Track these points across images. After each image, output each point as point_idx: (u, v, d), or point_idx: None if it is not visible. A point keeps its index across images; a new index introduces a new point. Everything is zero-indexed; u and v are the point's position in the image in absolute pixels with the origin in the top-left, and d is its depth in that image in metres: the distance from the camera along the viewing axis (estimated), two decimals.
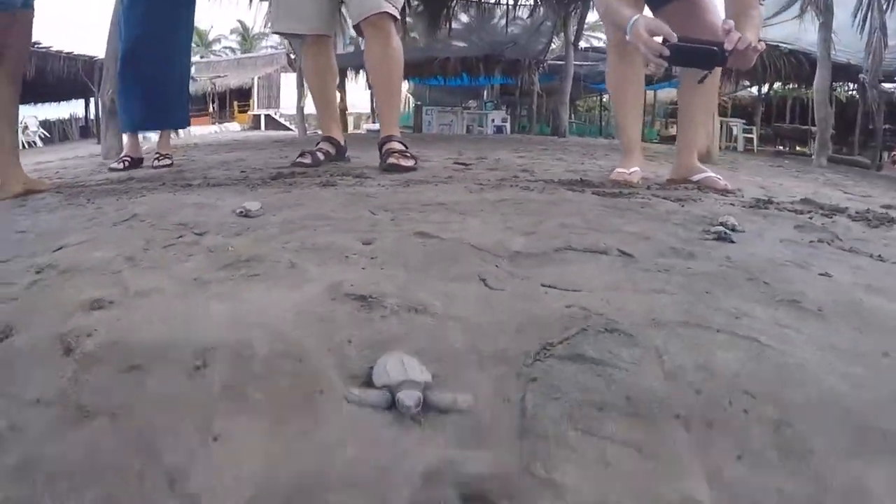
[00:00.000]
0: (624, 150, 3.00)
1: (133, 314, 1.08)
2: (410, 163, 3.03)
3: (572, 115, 19.27)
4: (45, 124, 17.09)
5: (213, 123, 21.82)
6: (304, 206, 2.00)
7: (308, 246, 1.48)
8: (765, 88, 17.64)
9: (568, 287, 1.20)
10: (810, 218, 2.06)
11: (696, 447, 0.74)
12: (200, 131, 18.68)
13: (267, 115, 23.51)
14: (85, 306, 1.12)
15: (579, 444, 0.72)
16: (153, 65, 3.70)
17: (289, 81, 22.10)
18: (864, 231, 1.92)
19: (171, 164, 3.70)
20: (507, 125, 15.75)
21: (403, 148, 3.15)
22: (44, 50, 14.96)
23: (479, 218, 1.81)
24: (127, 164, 3.68)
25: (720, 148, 12.22)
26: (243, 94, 24.99)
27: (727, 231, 1.67)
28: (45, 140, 16.35)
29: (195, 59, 25.21)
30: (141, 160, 3.78)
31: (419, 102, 19.25)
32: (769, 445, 0.76)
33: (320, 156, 3.32)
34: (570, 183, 2.63)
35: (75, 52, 15.92)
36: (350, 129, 19.43)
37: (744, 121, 15.60)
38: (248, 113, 24.19)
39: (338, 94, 3.81)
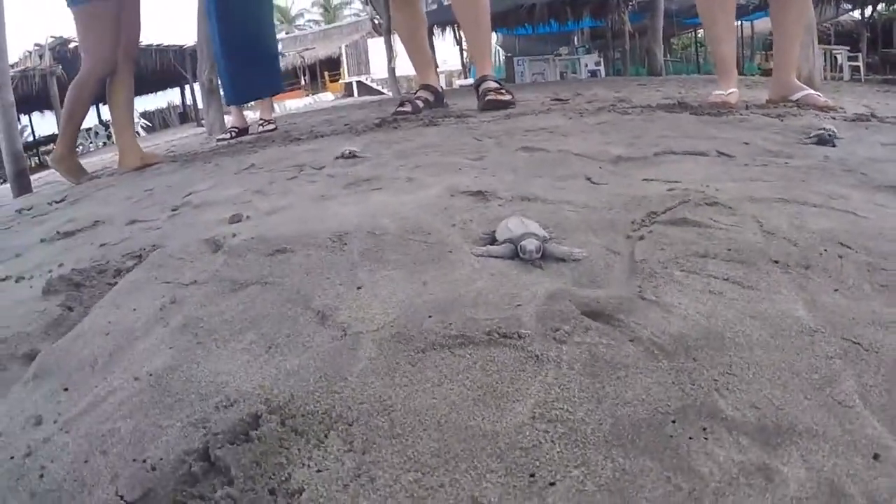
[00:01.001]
0: (720, 73, 2.95)
1: (270, 221, 1.23)
2: (508, 97, 3.09)
3: (668, 54, 18.51)
4: (144, 115, 18.04)
5: (307, 95, 22.37)
6: (411, 141, 2.12)
7: (421, 165, 1.62)
8: (868, 11, 16.22)
9: (669, 178, 1.28)
10: None
11: (794, 283, 0.82)
12: (295, 104, 19.20)
13: (359, 82, 23.87)
14: (224, 222, 1.29)
15: (685, 279, 0.82)
16: (246, 41, 3.95)
17: (376, 46, 22.26)
18: None
19: (276, 128, 3.92)
20: (602, 69, 15.30)
21: (498, 85, 3.19)
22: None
23: (580, 136, 1.88)
24: (234, 133, 3.96)
25: (824, 77, 11.49)
26: (333, 64, 25.47)
27: (829, 135, 1.67)
28: (147, 129, 17.29)
29: (281, 35, 25.80)
30: (247, 129, 4.05)
31: (509, 54, 18.95)
32: (863, 281, 0.83)
33: (419, 103, 3.37)
34: (667, 106, 2.64)
35: (164, 44, 16.63)
36: (442, 85, 19.41)
37: (848, 48, 14.44)
38: (340, 82, 24.65)
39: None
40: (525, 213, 1.08)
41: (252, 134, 3.95)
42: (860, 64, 14.18)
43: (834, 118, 2.22)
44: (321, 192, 1.45)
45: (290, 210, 1.33)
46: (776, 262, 0.88)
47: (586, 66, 14.92)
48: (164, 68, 16.82)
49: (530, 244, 0.85)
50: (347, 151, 1.96)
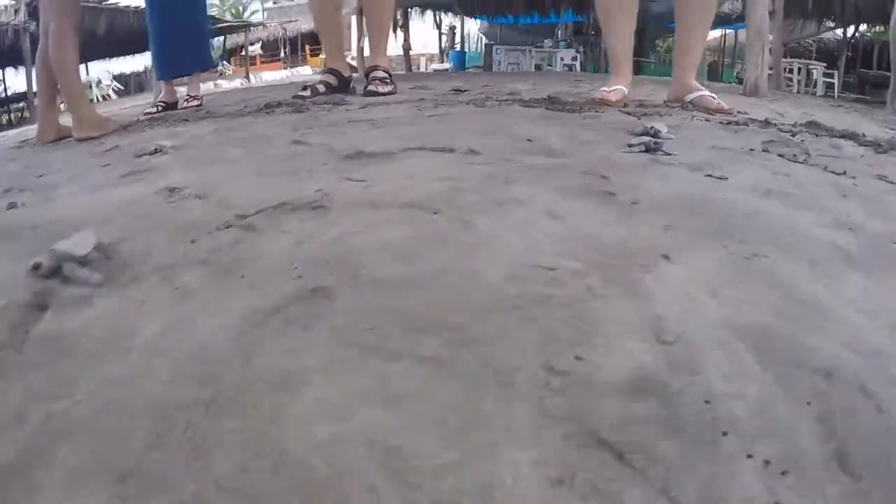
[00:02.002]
0: (611, 69, 2.84)
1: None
2: (388, 88, 3.14)
3: (650, 55, 18.36)
4: (119, 78, 17.76)
5: (285, 68, 22.10)
6: (240, 131, 2.08)
7: (181, 160, 1.62)
8: (850, 30, 16.19)
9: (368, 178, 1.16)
10: (793, 135, 1.93)
11: None
12: (272, 76, 18.96)
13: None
14: None
15: None
16: (174, 16, 3.92)
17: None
18: (860, 154, 1.79)
19: (200, 104, 3.93)
20: (577, 63, 15.16)
21: (385, 75, 3.23)
22: (113, 6, 15.41)
23: (385, 130, 1.79)
24: (161, 108, 3.91)
25: (797, 91, 11.43)
26: (316, 38, 25.01)
27: (654, 143, 1.51)
28: (119, 92, 16.98)
29: (268, 5, 25.47)
30: (175, 104, 4.00)
31: (491, 42, 18.78)
32: None
33: (320, 88, 3.34)
34: (536, 101, 2.52)
35: (143, 6, 16.22)
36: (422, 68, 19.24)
37: (825, 64, 14.36)
38: (320, 56, 24.34)
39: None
40: None
41: (179, 109, 3.87)
42: (835, 81, 14.11)
43: (707, 120, 2.12)
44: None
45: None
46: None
47: (562, 59, 14.79)
48: (141, 31, 16.48)
49: None
50: (156, 147, 1.89)
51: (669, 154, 1.42)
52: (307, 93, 3.25)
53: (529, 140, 1.51)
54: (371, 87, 3.06)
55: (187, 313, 0.73)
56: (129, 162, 1.80)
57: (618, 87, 2.63)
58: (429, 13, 16.00)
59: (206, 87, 13.28)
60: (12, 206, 1.46)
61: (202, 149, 1.85)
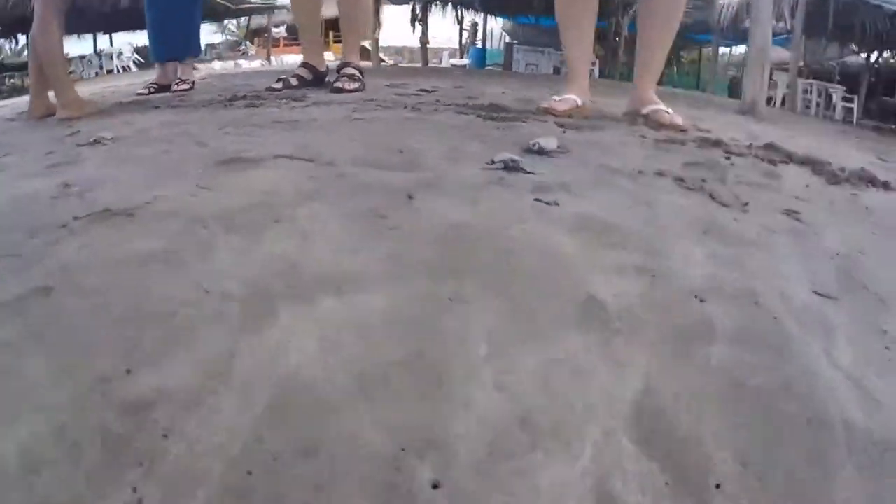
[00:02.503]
0: (567, 77, 2.83)
1: None
2: (355, 85, 3.14)
3: (675, 67, 18.23)
4: (140, 51, 17.89)
5: None
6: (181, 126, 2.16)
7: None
8: (874, 56, 15.80)
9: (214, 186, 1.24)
10: (733, 158, 1.91)
11: None
12: (293, 59, 18.97)
13: (362, 47, 23.60)
14: None
15: None
16: (170, 3, 4.11)
17: (389, 12, 21.95)
18: (805, 184, 1.75)
19: (191, 88, 4.00)
20: (595, 69, 15.06)
21: (355, 72, 3.24)
22: None
23: (294, 132, 1.87)
24: (153, 90, 4.03)
25: (816, 114, 11.26)
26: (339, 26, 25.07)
27: (513, 161, 1.53)
28: (139, 65, 17.09)
29: None
30: (168, 86, 4.07)
31: (513, 41, 18.68)
32: None
33: (293, 81, 3.38)
34: (480, 108, 2.54)
35: None
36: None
37: (845, 88, 14.03)
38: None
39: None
40: None
41: (171, 92, 3.94)
42: (855, 106, 13.73)
43: (644, 136, 2.14)
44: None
45: None
46: None
47: None
48: None
49: None
50: (96, 138, 2.00)
51: (528, 173, 1.44)
52: (279, 85, 3.30)
53: (401, 152, 1.56)
54: (338, 84, 3.08)
55: None
56: (68, 152, 1.90)
57: (568, 97, 2.59)
58: (449, 8, 15.94)
59: (227, 65, 13.43)
60: None
61: (131, 144, 1.94)
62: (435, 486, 0.58)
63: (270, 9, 18.37)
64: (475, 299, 0.87)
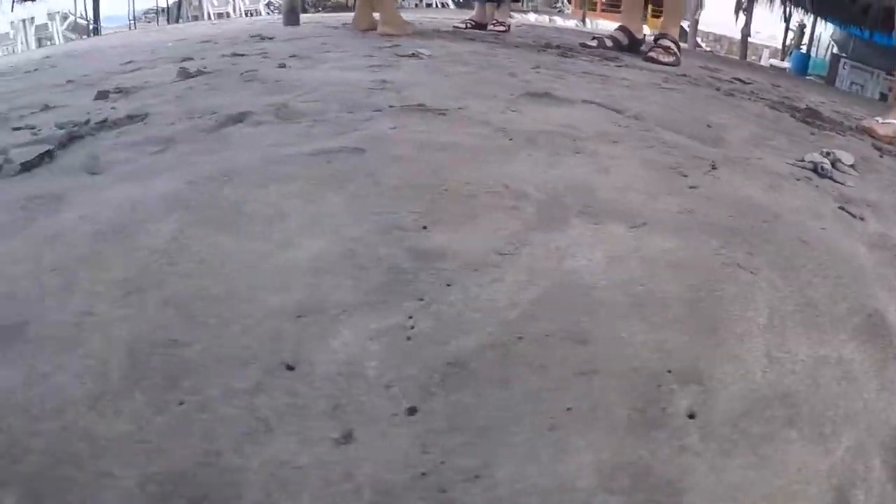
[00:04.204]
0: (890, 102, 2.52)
1: None
2: (670, 59, 3.02)
3: None
4: None
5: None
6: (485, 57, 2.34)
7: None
8: None
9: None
10: None
11: None
12: (608, 25, 18.71)
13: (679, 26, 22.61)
14: None
15: None
16: None
17: None
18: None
19: (504, 31, 4.17)
20: None
21: (670, 45, 3.13)
22: None
23: (608, 86, 1.91)
24: (470, 25, 4.24)
25: None
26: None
27: None
28: (458, 4, 18.00)
29: None
30: (484, 25, 4.26)
31: (842, 54, 16.65)
32: None
33: (608, 42, 3.39)
34: (795, 108, 2.39)
35: None
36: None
37: None
38: (660, 19, 23.40)
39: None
40: None
41: (487, 31, 4.16)
42: None
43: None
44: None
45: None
46: None
47: None
48: None
49: None
50: (413, 52, 2.24)
51: (837, 182, 1.37)
52: (594, 43, 3.33)
53: (708, 126, 1.53)
54: (652, 54, 3.00)
55: None
56: (387, 58, 2.12)
57: (893, 122, 2.33)
58: (777, 3, 14.57)
59: (542, 19, 13.74)
60: (281, 65, 1.93)
61: (446, 62, 2.10)
62: (690, 416, 0.60)
63: None
64: (762, 273, 0.85)
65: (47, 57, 3.34)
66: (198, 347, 0.61)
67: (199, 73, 1.89)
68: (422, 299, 0.68)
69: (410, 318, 0.65)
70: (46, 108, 1.58)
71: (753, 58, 17.07)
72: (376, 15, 3.35)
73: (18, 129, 1.37)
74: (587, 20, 17.88)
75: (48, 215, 0.87)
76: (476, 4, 4.53)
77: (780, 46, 18.55)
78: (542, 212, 0.87)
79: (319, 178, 0.92)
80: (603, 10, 23.23)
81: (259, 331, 0.63)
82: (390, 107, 1.32)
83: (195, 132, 1.20)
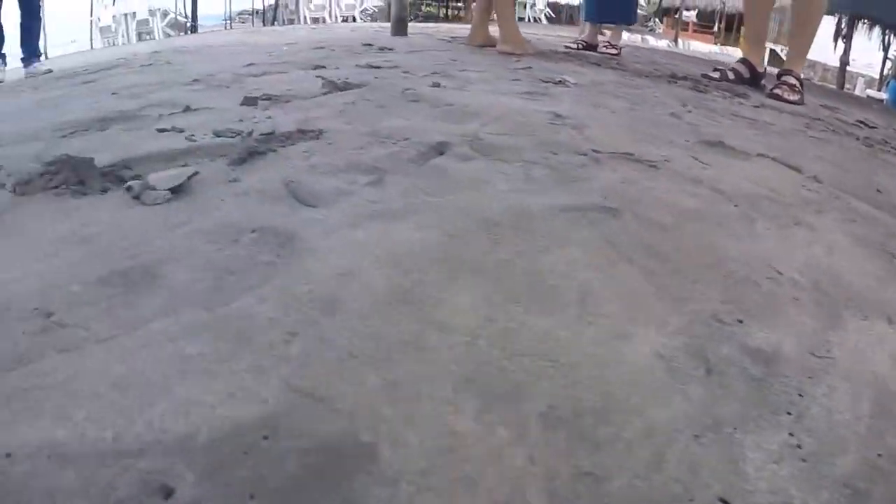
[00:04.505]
0: None
1: None
2: (795, 97, 2.91)
3: None
4: (553, 6, 18.63)
5: (716, 43, 21.16)
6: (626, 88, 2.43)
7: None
8: None
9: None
10: None
11: None
12: (701, 48, 18.25)
13: (772, 51, 21.92)
14: None
15: None
16: None
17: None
18: None
19: (616, 54, 4.12)
20: None
21: (796, 83, 3.01)
22: None
23: (759, 133, 1.89)
24: (581, 46, 4.24)
25: None
26: None
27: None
28: (549, 19, 17.89)
29: None
30: (595, 47, 4.27)
31: None
32: None
33: (730, 74, 3.32)
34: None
35: None
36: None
37: None
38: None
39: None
40: None
41: (597, 52, 4.15)
42: None
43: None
44: None
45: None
46: None
47: None
48: None
49: None
50: (560, 79, 2.24)
51: None
52: (716, 75, 3.27)
53: (879, 192, 1.46)
54: (777, 91, 2.90)
55: None
56: (534, 84, 2.12)
57: None
58: (877, 31, 13.95)
59: (634, 38, 13.50)
60: (435, 84, 1.94)
61: (594, 93, 2.09)
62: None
63: None
64: None
65: (156, 52, 3.45)
66: (618, 483, 0.51)
67: (347, 85, 1.87)
68: (790, 413, 0.61)
69: (791, 434, 0.58)
70: (188, 109, 1.56)
71: (848, 86, 16.33)
72: (493, 31, 3.39)
73: (164, 130, 1.33)
74: (679, 41, 17.48)
75: (289, 263, 0.77)
76: (587, 25, 4.56)
77: (876, 76, 17.71)
78: (820, 304, 0.82)
79: (595, 245, 0.86)
80: (695, 31, 22.82)
81: (671, 456, 0.54)
82: (594, 151, 1.29)
83: (399, 161, 1.15)
